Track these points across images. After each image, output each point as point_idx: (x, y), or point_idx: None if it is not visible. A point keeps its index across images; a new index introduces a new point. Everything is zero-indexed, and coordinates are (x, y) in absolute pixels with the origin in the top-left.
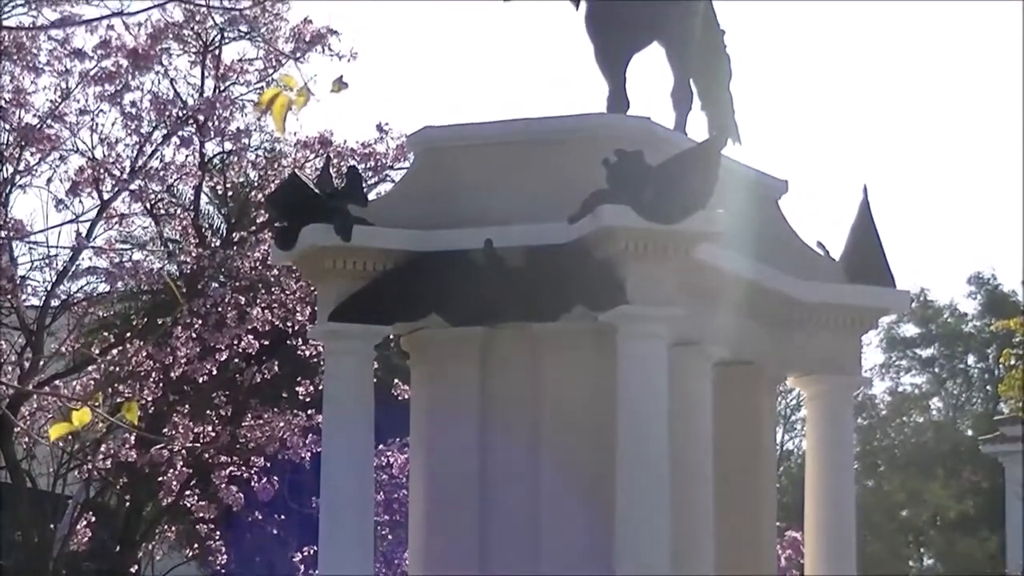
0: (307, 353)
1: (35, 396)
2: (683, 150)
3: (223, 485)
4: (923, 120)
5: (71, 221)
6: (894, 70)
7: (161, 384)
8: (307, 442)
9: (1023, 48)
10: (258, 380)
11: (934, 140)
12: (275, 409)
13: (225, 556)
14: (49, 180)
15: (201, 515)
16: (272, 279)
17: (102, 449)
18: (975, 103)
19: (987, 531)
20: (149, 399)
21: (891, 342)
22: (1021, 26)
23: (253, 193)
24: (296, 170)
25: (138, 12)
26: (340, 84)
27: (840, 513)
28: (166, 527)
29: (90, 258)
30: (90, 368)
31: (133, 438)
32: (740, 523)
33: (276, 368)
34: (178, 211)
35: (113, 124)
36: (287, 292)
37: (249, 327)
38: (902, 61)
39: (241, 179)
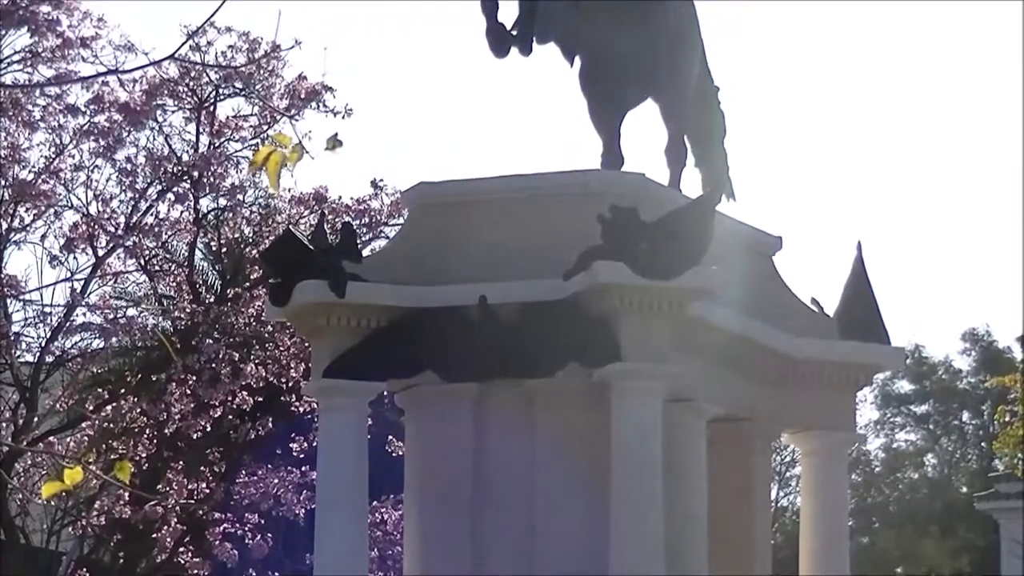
0: (301, 409)
1: (29, 453)
2: (678, 206)
3: (217, 542)
4: (918, 177)
5: (66, 280)
6: (889, 127)
7: (155, 440)
8: (301, 499)
9: (1021, 111)
10: (252, 436)
11: (929, 196)
12: (269, 466)
13: None
14: (43, 236)
15: (195, 572)
16: (266, 335)
17: (96, 506)
18: (970, 160)
19: None
20: (143, 455)
21: (886, 398)
22: (1020, 85)
23: (248, 249)
24: (291, 226)
25: (134, 70)
26: (335, 142)
27: (835, 570)
28: None
29: (84, 314)
30: (84, 424)
31: (127, 495)
32: None
33: (270, 424)
34: (172, 267)
35: (108, 180)
36: (281, 348)
37: (243, 383)
38: (897, 118)
39: (236, 235)
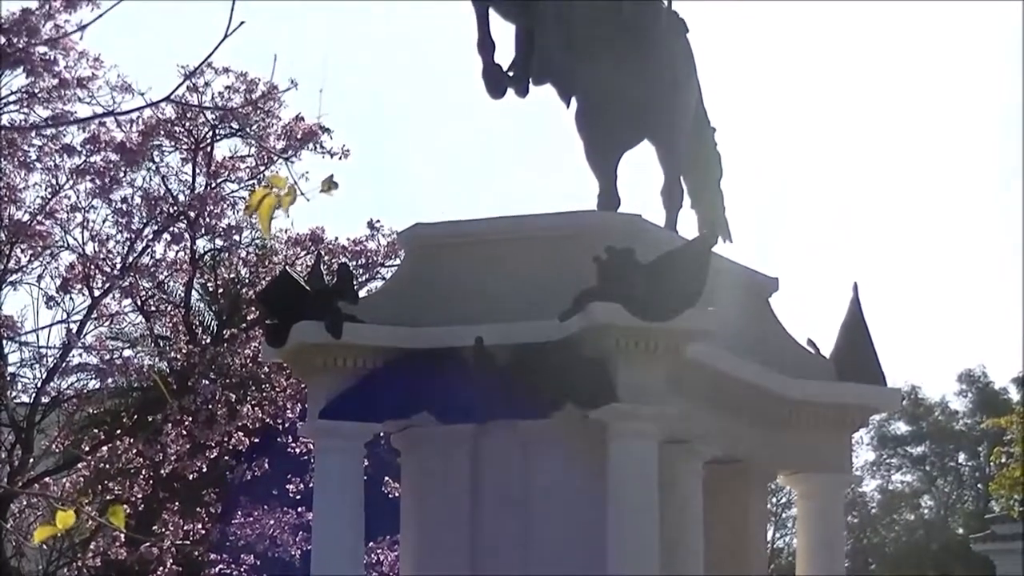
0: (298, 450)
1: (25, 494)
2: (674, 248)
3: None
4: (914, 218)
5: (62, 321)
6: (885, 169)
7: (151, 481)
8: (297, 540)
9: (1021, 158)
10: (248, 477)
11: (925, 238)
12: (265, 507)
13: None
14: (40, 277)
15: None
16: (262, 376)
17: (92, 547)
18: (966, 202)
19: None
20: (139, 496)
21: (882, 440)
22: (1020, 129)
23: (244, 290)
24: (287, 267)
25: (130, 112)
26: (330, 184)
27: None
28: None
29: (80, 355)
30: (80, 465)
31: (123, 536)
32: None
33: (266, 465)
34: (169, 308)
35: (104, 221)
36: (277, 389)
37: (239, 424)
38: (893, 160)
39: (232, 276)
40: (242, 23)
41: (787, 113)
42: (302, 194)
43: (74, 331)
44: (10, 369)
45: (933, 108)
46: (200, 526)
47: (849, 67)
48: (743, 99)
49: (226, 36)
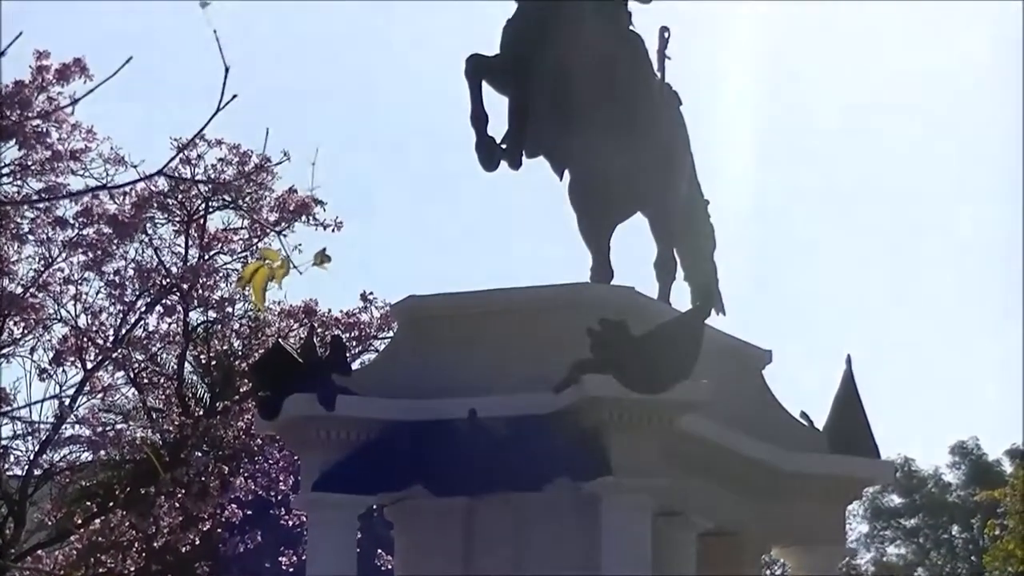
0: (290, 523)
1: (17, 568)
2: (667, 320)
3: None
4: (906, 290)
5: (55, 396)
6: (879, 240)
7: (144, 554)
8: None
9: (1022, 232)
10: (241, 550)
11: (918, 310)
12: None
13: None
14: (33, 349)
15: None
16: (255, 448)
17: None
18: (959, 274)
19: None
20: (132, 569)
21: (876, 512)
22: (1019, 193)
23: (237, 362)
24: (280, 339)
25: (123, 185)
26: (323, 257)
27: None
28: None
29: (73, 427)
30: (73, 538)
31: None
32: None
33: (259, 538)
34: (162, 380)
35: (97, 293)
36: (270, 461)
37: (232, 496)
38: (885, 231)
39: (225, 348)
40: (234, 96)
41: (779, 183)
42: (295, 267)
43: (67, 404)
44: (3, 442)
45: (922, 175)
46: None
47: (838, 137)
48: (737, 169)
49: (219, 109)
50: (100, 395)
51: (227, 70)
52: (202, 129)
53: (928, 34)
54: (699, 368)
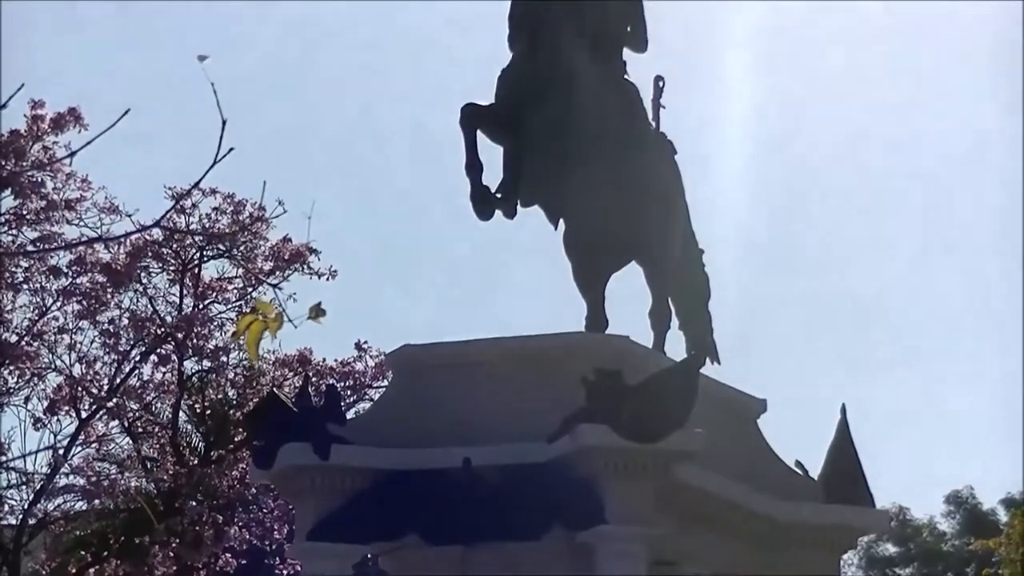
0: (286, 572)
1: None
2: (662, 369)
3: None
4: (900, 339)
5: (49, 447)
6: (870, 288)
7: None
8: None
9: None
10: None
11: (912, 359)
12: None
13: None
14: (27, 399)
15: None
16: (250, 498)
17: None
18: (953, 321)
19: None
20: None
21: (870, 561)
22: (1020, 245)
23: (231, 411)
24: (275, 389)
25: (119, 237)
26: (318, 311)
27: None
28: None
29: (68, 476)
30: None
31: None
32: None
33: None
34: (156, 429)
35: (92, 342)
36: (265, 511)
37: (227, 546)
38: (875, 281)
39: (220, 397)
40: (231, 149)
41: (774, 231)
42: (290, 321)
43: (61, 453)
44: None
45: (911, 219)
46: None
47: (834, 186)
48: (731, 217)
49: (215, 162)
50: (94, 444)
51: (224, 123)
52: (198, 182)
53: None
54: (694, 417)
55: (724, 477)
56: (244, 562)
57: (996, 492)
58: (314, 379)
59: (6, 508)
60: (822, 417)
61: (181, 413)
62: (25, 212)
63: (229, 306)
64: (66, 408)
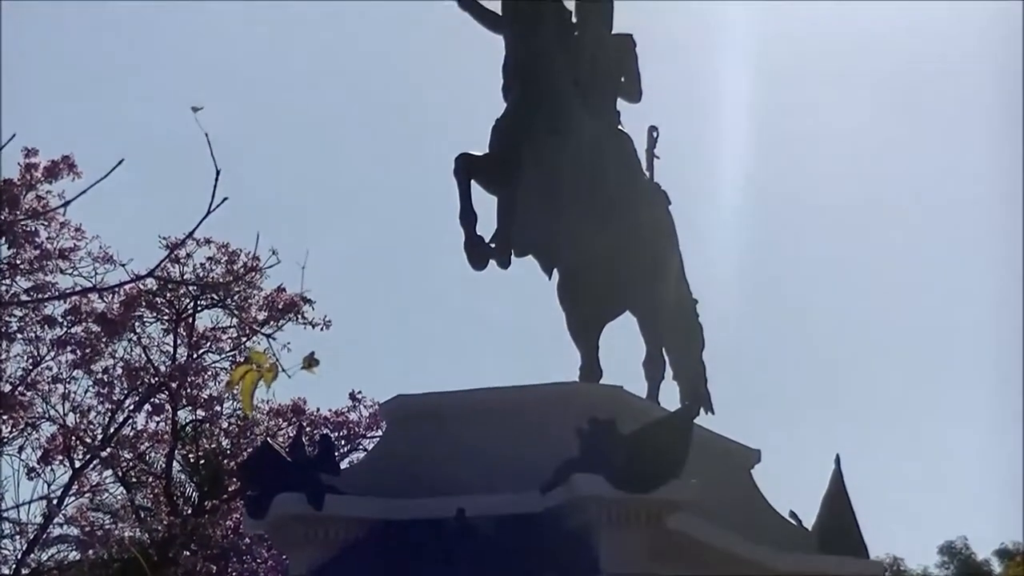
0: None
1: None
2: (656, 419)
3: None
4: (896, 389)
5: (43, 497)
6: (866, 340)
7: None
8: None
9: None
10: None
11: (907, 410)
12: None
13: None
14: (21, 448)
15: None
16: (244, 547)
17: None
18: (948, 374)
19: None
20: None
21: None
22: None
23: (225, 461)
24: (268, 438)
25: (113, 287)
26: (311, 361)
27: None
28: None
29: (62, 526)
30: None
31: None
32: None
33: None
34: (150, 479)
35: (85, 392)
36: (259, 560)
37: None
38: (872, 331)
39: (213, 447)
40: (225, 199)
41: (766, 282)
42: (284, 371)
43: (55, 503)
44: None
45: (905, 265)
46: None
47: (830, 237)
48: (726, 266)
49: (209, 212)
50: (88, 494)
51: (218, 172)
52: (192, 232)
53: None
54: (688, 467)
55: (718, 527)
56: None
57: (990, 543)
58: (308, 429)
59: (0, 558)
60: (816, 467)
61: (175, 463)
62: (19, 261)
63: (223, 356)
64: (60, 458)
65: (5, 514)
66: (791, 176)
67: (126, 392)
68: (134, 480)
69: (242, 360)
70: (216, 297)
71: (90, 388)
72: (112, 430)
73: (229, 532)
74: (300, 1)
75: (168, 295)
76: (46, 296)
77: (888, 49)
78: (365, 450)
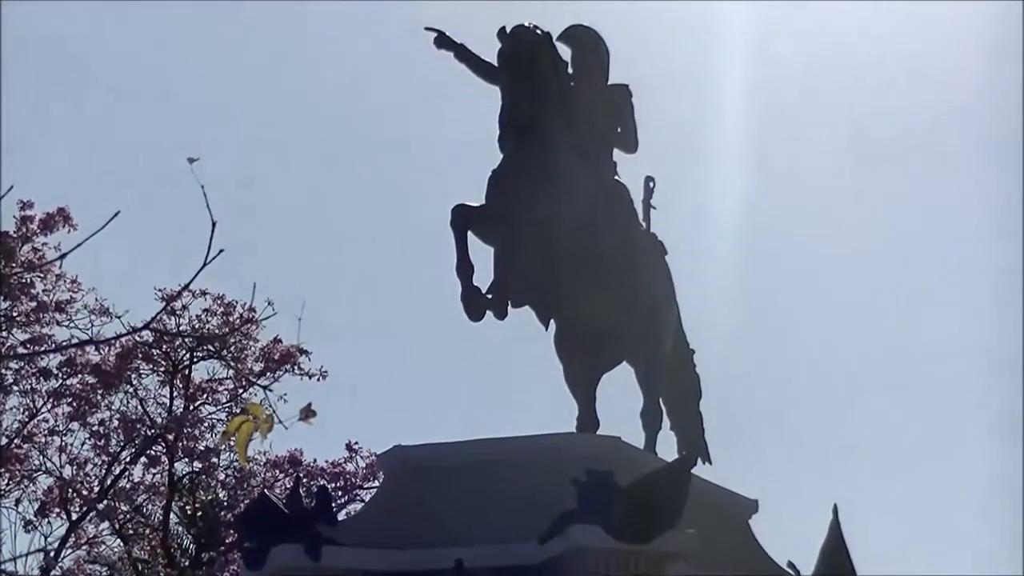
0: None
1: None
2: (653, 470)
3: None
4: (894, 438)
5: (40, 550)
6: (867, 394)
7: None
8: None
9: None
10: None
11: (905, 460)
12: None
13: None
14: (18, 501)
15: None
16: None
17: None
18: (950, 422)
19: None
20: None
21: None
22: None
23: (222, 513)
24: (265, 490)
25: (109, 340)
26: (309, 412)
27: None
28: None
29: None
30: None
31: None
32: None
33: None
34: (147, 531)
35: (82, 444)
36: None
37: None
38: (872, 380)
39: (210, 499)
40: (221, 251)
41: (763, 333)
42: (280, 422)
43: (52, 556)
44: None
45: (911, 323)
46: None
47: (826, 285)
48: (722, 315)
49: (205, 264)
50: (85, 547)
51: (214, 224)
52: (188, 284)
53: None
54: (686, 518)
55: None
56: None
57: None
58: (305, 480)
59: None
60: (814, 517)
61: (172, 515)
62: (15, 313)
63: (219, 407)
64: (57, 510)
65: (2, 567)
66: (788, 221)
67: (122, 444)
68: (131, 532)
69: (238, 411)
70: (212, 349)
71: (86, 440)
72: (109, 482)
73: None
74: (297, 50)
75: (164, 347)
76: (42, 349)
77: (890, 107)
78: (363, 501)
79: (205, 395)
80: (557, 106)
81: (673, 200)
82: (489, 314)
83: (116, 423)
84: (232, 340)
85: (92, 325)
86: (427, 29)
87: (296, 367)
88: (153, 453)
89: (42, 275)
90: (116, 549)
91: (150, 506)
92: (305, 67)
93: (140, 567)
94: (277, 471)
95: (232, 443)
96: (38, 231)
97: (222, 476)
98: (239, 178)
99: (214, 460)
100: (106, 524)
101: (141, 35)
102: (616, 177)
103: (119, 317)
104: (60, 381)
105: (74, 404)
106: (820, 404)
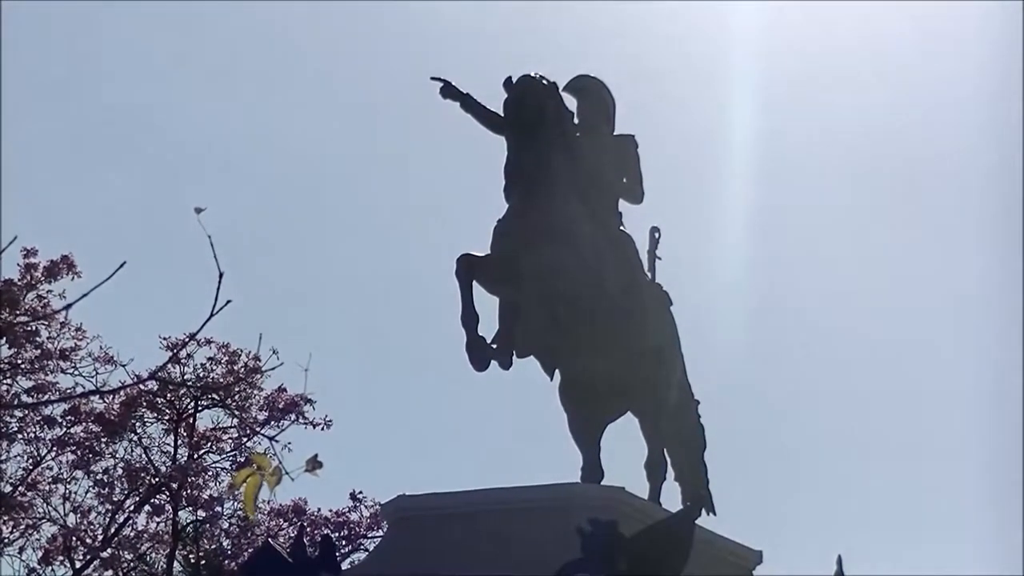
0: None
1: None
2: (658, 521)
3: None
4: (897, 487)
5: None
6: (868, 434)
7: None
8: None
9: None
10: None
11: (908, 508)
12: None
13: None
14: (22, 549)
15: None
16: None
17: None
18: (951, 469)
19: None
20: None
21: None
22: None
23: (226, 562)
24: (269, 539)
25: (114, 390)
26: (315, 463)
27: None
28: None
29: None
30: None
31: None
32: None
33: None
34: None
35: (86, 492)
36: None
37: None
38: (876, 427)
39: (214, 547)
40: (228, 302)
41: (767, 382)
42: (287, 474)
43: None
44: None
45: (915, 374)
46: None
47: (827, 333)
48: (726, 364)
49: (212, 315)
50: None
51: (221, 275)
52: (195, 334)
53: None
54: (689, 569)
55: None
56: None
57: None
58: (309, 529)
59: None
60: (818, 568)
61: (176, 563)
62: (20, 361)
63: (223, 456)
64: (61, 558)
65: None
66: (795, 269)
67: (126, 492)
68: None
69: (243, 461)
70: (217, 397)
71: (90, 489)
72: (113, 531)
73: None
74: (301, 94)
75: (168, 395)
76: (46, 399)
77: (894, 147)
78: (366, 550)
79: (209, 444)
80: (562, 156)
81: (678, 250)
82: (494, 364)
83: (120, 471)
84: (237, 389)
85: (96, 373)
86: (433, 79)
87: (301, 416)
88: (157, 501)
89: (47, 323)
90: None
91: (154, 555)
92: (312, 121)
93: None
94: (281, 520)
95: (239, 494)
96: (42, 279)
97: (226, 525)
98: (248, 231)
99: (218, 509)
100: (110, 573)
101: (151, 84)
102: (621, 227)
103: (124, 365)
104: (64, 429)
105: (78, 452)
106: (826, 456)
